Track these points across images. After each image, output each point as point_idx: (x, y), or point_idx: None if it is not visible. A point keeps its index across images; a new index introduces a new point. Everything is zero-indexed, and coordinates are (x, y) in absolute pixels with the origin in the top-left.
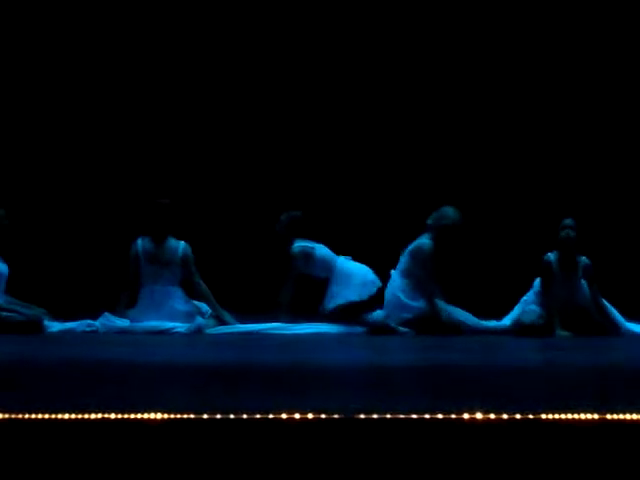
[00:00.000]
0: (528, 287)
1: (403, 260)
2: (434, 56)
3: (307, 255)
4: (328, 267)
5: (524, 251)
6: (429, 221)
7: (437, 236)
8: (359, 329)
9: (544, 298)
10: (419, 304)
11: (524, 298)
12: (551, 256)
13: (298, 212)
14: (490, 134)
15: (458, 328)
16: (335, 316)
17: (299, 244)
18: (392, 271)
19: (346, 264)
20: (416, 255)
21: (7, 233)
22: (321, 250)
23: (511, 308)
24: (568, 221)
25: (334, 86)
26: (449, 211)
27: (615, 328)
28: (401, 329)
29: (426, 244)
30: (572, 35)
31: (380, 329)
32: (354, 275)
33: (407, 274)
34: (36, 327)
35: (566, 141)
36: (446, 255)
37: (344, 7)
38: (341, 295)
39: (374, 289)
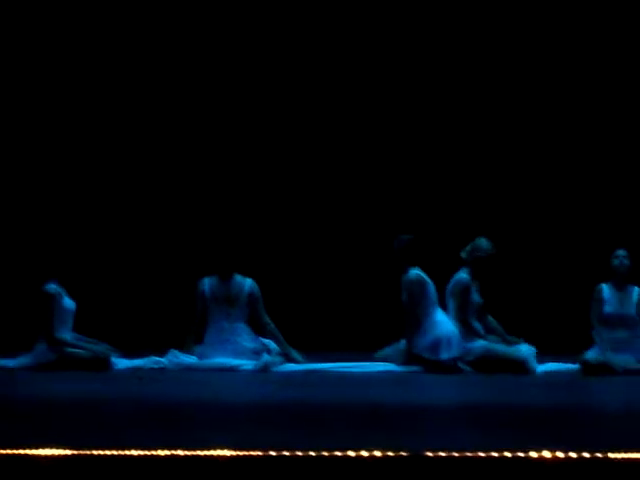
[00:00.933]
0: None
1: (449, 302)
2: (464, 69)
3: (422, 285)
4: (430, 305)
5: (575, 282)
6: (463, 254)
7: (473, 269)
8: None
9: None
10: (478, 344)
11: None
12: (604, 286)
13: (411, 236)
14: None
15: (522, 366)
16: (414, 359)
17: (415, 271)
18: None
19: (441, 313)
20: (454, 291)
21: (74, 271)
22: (431, 285)
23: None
24: (621, 251)
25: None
26: (482, 242)
27: None
28: (465, 368)
29: (463, 278)
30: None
31: (447, 368)
32: (447, 330)
33: (455, 316)
34: (103, 364)
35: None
36: (485, 287)
37: (344, 9)
38: (435, 349)
39: (458, 352)
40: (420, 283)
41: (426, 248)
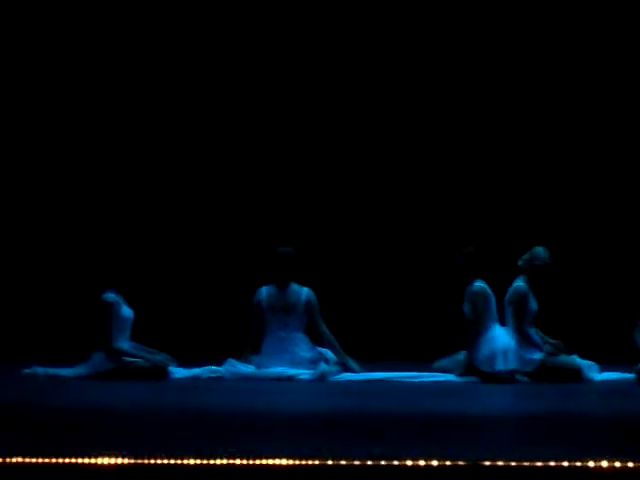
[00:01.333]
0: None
1: (507, 311)
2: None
3: (486, 298)
4: (492, 318)
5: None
6: (520, 263)
7: (530, 278)
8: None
9: None
10: (537, 355)
11: None
12: None
13: (474, 247)
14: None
15: (579, 375)
16: (471, 370)
17: (480, 284)
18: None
19: (499, 326)
20: (511, 299)
21: (133, 280)
22: (493, 298)
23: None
24: None
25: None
26: (540, 251)
27: None
28: (522, 378)
29: (520, 287)
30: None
31: (504, 378)
32: (504, 342)
33: (513, 325)
34: (161, 373)
35: None
36: (542, 297)
37: (344, 9)
38: (491, 361)
39: (514, 364)
40: (484, 296)
41: (489, 260)
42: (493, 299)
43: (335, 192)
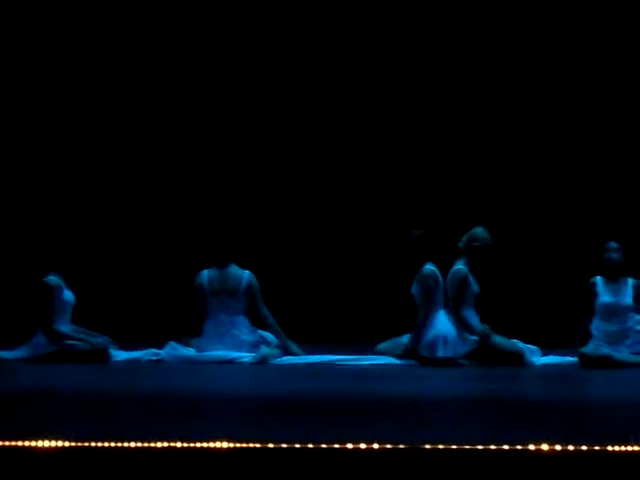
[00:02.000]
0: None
1: (449, 293)
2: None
3: (436, 281)
4: (439, 303)
5: (570, 276)
6: (459, 244)
7: (470, 259)
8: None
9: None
10: (474, 337)
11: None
12: (597, 279)
13: (423, 230)
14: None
15: (520, 358)
16: (411, 354)
17: (430, 267)
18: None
19: (443, 312)
20: (452, 282)
21: (74, 263)
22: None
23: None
24: (613, 244)
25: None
26: (479, 232)
27: None
28: (463, 362)
29: (460, 269)
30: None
31: (444, 363)
32: (445, 328)
33: (452, 309)
34: (102, 356)
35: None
36: (482, 278)
37: (344, 9)
38: (432, 347)
39: (454, 351)
40: (435, 280)
41: (439, 243)
42: (442, 283)
43: (277, 170)
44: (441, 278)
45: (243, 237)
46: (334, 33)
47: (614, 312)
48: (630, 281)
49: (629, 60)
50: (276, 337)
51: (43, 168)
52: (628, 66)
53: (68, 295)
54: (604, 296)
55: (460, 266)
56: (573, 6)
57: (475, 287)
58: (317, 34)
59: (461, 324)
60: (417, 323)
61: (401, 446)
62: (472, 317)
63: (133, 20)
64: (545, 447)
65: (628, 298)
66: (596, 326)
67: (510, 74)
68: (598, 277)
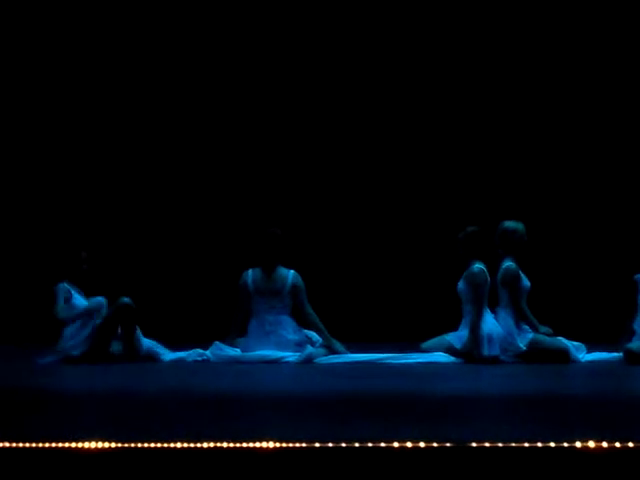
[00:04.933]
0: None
1: (501, 293)
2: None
3: (485, 280)
4: (485, 302)
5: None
6: (500, 248)
7: (516, 256)
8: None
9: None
10: (525, 337)
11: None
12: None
13: (477, 227)
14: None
15: (566, 355)
16: (457, 353)
17: (480, 266)
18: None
19: (487, 310)
20: (505, 279)
21: (85, 274)
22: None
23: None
24: None
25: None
26: (511, 225)
27: None
28: (509, 360)
29: (511, 266)
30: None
31: (490, 361)
32: (489, 327)
33: (510, 305)
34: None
35: None
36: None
37: (344, 8)
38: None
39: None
40: (485, 278)
41: (489, 241)
42: (489, 282)
43: (320, 172)
44: (489, 277)
45: (289, 235)
46: (338, 31)
47: None
48: None
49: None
50: (321, 336)
51: (62, 172)
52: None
53: (79, 301)
54: None
55: (510, 262)
56: (573, 5)
57: (527, 283)
58: (321, 33)
59: (525, 320)
60: (472, 321)
61: (448, 444)
62: (529, 313)
63: (134, 20)
64: (592, 444)
65: None
66: (638, 323)
67: (551, 71)
68: None
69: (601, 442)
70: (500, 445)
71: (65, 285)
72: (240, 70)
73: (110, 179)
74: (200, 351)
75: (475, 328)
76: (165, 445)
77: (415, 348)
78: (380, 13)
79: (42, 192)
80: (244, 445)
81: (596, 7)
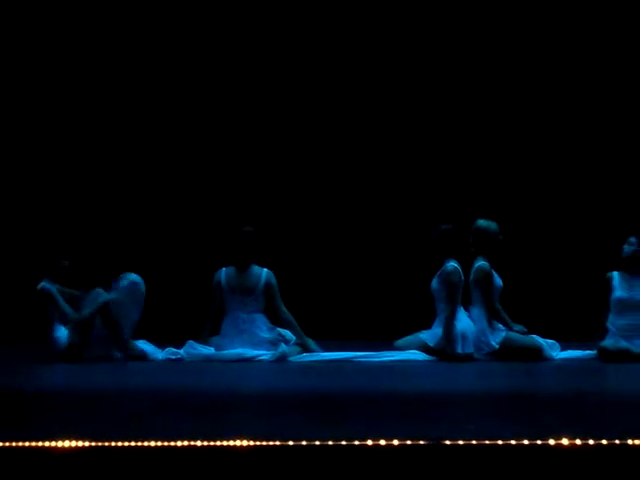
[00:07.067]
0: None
1: (473, 292)
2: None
3: (459, 279)
4: (459, 300)
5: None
6: (473, 247)
7: (488, 254)
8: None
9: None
10: (498, 336)
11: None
12: (615, 274)
13: (450, 226)
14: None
15: (539, 353)
16: (431, 350)
17: (454, 264)
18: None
19: (461, 309)
20: (478, 278)
21: (66, 274)
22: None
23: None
24: (632, 238)
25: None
26: (484, 223)
27: None
28: (482, 358)
29: (484, 265)
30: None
31: (463, 359)
32: (463, 325)
33: (483, 304)
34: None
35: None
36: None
37: (344, 8)
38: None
39: (473, 347)
40: (459, 277)
41: (463, 239)
42: (463, 281)
43: (294, 170)
44: (463, 275)
45: (262, 233)
46: (339, 30)
47: (628, 307)
48: None
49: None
50: (294, 335)
51: (50, 165)
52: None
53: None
54: (618, 291)
55: (482, 262)
56: (573, 5)
57: (499, 282)
58: (321, 31)
59: (497, 319)
60: (445, 319)
61: (421, 443)
62: (502, 312)
63: (134, 20)
64: (565, 442)
65: None
66: (611, 320)
67: (529, 68)
68: (616, 272)
69: (575, 440)
70: (474, 443)
71: (49, 285)
72: (220, 67)
73: (84, 177)
74: (173, 350)
75: (449, 326)
76: (139, 444)
77: (389, 346)
78: (381, 12)
79: (20, 190)
80: (218, 444)
81: (596, 7)
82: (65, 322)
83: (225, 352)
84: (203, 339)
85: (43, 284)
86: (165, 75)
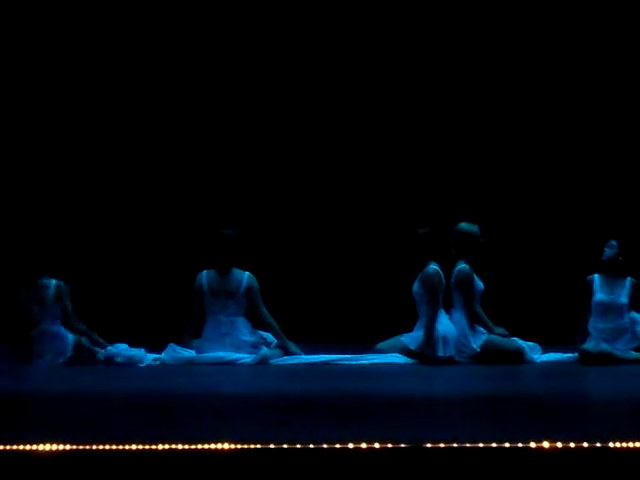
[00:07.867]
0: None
1: (454, 295)
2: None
3: (440, 281)
4: (440, 303)
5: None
6: (454, 250)
7: (470, 257)
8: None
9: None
10: (478, 339)
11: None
12: (595, 276)
13: (429, 228)
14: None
15: (520, 356)
16: (412, 353)
17: (435, 267)
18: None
19: (442, 312)
20: (459, 281)
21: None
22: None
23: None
24: (612, 242)
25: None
26: (465, 226)
27: None
28: (463, 361)
29: (465, 268)
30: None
31: (445, 362)
32: (444, 328)
33: (463, 308)
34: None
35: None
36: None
37: (344, 8)
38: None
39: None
40: (440, 279)
41: (443, 242)
42: (444, 283)
43: (274, 173)
44: (444, 278)
45: (243, 237)
46: (336, 31)
47: (608, 310)
48: (629, 281)
49: (629, 59)
50: (276, 338)
51: (39, 165)
52: (628, 65)
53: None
54: (599, 294)
55: (463, 265)
56: (573, 5)
57: (480, 285)
58: (319, 32)
59: (478, 322)
60: (427, 322)
61: (402, 445)
62: (482, 315)
63: (133, 20)
64: (546, 444)
65: (623, 297)
66: (592, 323)
67: (509, 74)
68: (596, 275)
69: (556, 442)
70: (455, 446)
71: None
72: (207, 65)
73: (62, 180)
74: (154, 355)
75: (430, 329)
76: (120, 447)
77: (370, 349)
78: (380, 13)
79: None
80: (199, 447)
81: (596, 7)
82: (49, 322)
83: (206, 355)
84: (184, 342)
85: (59, 282)
86: (150, 75)
